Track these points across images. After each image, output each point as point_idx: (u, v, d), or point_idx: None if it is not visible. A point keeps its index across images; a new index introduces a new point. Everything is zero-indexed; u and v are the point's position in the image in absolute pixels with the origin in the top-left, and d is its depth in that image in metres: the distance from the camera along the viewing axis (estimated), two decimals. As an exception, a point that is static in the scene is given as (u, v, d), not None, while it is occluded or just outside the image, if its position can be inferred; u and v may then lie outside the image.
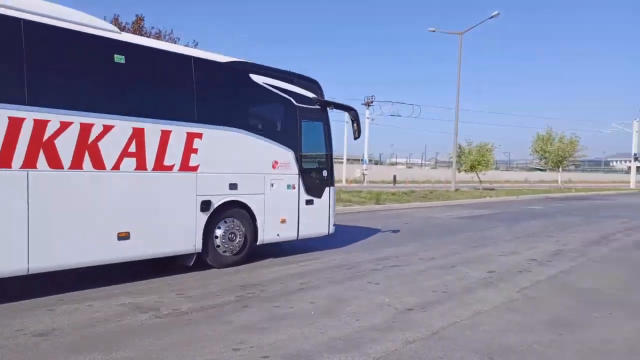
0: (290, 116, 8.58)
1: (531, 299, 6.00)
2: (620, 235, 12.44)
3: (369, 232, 12.70)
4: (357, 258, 8.69)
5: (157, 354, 4.07)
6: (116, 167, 6.13)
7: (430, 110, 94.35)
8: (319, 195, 9.00)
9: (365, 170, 50.49)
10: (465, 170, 35.06)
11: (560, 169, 45.80)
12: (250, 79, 7.92)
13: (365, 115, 49.43)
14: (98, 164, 5.94)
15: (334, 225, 9.42)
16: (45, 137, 5.47)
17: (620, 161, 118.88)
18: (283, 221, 8.34)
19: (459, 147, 33.90)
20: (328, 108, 9.33)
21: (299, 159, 8.56)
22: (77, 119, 5.74)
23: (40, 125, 5.41)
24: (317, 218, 8.99)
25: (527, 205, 24.46)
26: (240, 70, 7.90)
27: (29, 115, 5.33)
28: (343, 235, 10.69)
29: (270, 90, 8.19)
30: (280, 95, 8.36)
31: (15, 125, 5.21)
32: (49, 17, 5.67)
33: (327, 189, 9.18)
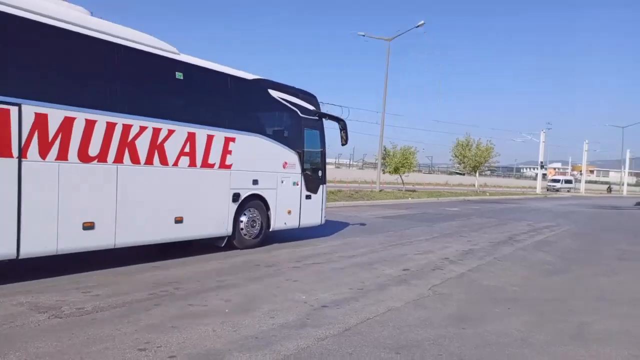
0: (296, 124, 10.27)
1: (440, 296, 6.31)
2: (524, 236, 13.44)
3: (292, 230, 12.74)
4: (277, 256, 8.68)
5: (53, 357, 3.80)
6: (175, 163, 7.55)
7: (359, 112, 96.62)
8: (315, 192, 10.75)
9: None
10: (389, 172, 36.19)
11: (477, 173, 48.66)
12: (268, 93, 9.57)
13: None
14: (164, 160, 7.36)
15: (325, 217, 11.29)
16: (129, 138, 6.84)
17: (529, 168, 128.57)
18: (289, 212, 10.02)
19: (384, 150, 34.91)
20: (323, 118, 11.08)
21: (302, 161, 10.25)
22: (150, 124, 7.14)
23: (126, 129, 6.79)
24: (314, 210, 10.75)
25: (445, 206, 25.73)
26: (261, 86, 9.46)
27: (120, 120, 6.70)
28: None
29: (283, 103, 9.89)
30: (290, 107, 10.07)
31: (110, 129, 6.58)
32: (134, 42, 7.07)
33: (321, 186, 10.99)
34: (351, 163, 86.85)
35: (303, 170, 10.28)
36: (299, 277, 7.00)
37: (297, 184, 10.22)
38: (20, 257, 5.77)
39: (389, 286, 6.69)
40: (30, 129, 5.79)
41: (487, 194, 44.08)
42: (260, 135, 9.30)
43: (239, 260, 8.07)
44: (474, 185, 53.26)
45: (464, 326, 5.05)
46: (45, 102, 5.95)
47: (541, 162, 60.79)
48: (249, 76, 9.23)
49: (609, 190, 70.46)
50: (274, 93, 9.72)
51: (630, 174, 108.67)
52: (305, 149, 10.40)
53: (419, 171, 66.41)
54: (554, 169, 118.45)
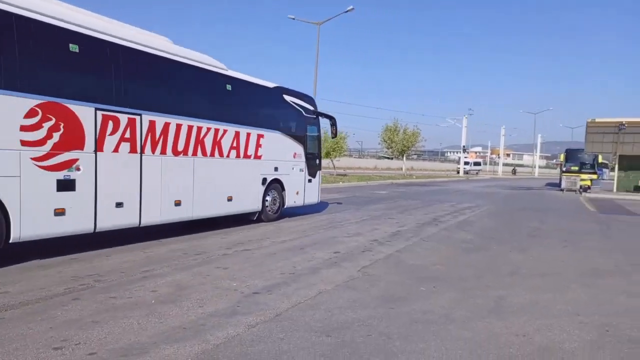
0: (301, 122, 12.84)
1: (369, 277, 6.46)
2: (447, 217, 14.11)
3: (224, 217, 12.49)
4: (206, 243, 8.47)
5: (-47, 361, 3.45)
6: (228, 155, 9.94)
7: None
8: (314, 176, 13.42)
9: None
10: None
11: (405, 157, 50.38)
12: (283, 97, 12.07)
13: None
14: (220, 153, 9.72)
15: (317, 199, 13.81)
16: (200, 137, 9.12)
17: (453, 152, 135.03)
18: (297, 193, 12.61)
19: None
20: (319, 116, 13.72)
21: (305, 151, 12.81)
22: (213, 125, 9.46)
23: (199, 130, 9.06)
24: (314, 192, 13.49)
25: (374, 190, 26.42)
26: (279, 92, 11.93)
27: (195, 123, 8.95)
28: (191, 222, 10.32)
29: (293, 105, 12.43)
30: (297, 109, 12.59)
31: (189, 130, 8.83)
32: (200, 62, 9.37)
33: (318, 172, 13.67)
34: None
35: (307, 159, 12.90)
36: (229, 264, 6.88)
37: (302, 171, 12.79)
38: (142, 225, 8.03)
39: (320, 269, 6.75)
40: (146, 132, 7.96)
41: (414, 177, 45.83)
42: (279, 132, 11.79)
43: (164, 250, 7.78)
44: (402, 168, 55.12)
45: (392, 306, 5.21)
46: (154, 112, 8.13)
47: (463, 146, 64.07)
48: (271, 84, 11.66)
49: (514, 172, 75.74)
50: (287, 97, 12.23)
51: (542, 157, 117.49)
52: (307, 142, 12.99)
53: (350, 156, 67.58)
54: (475, 152, 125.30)
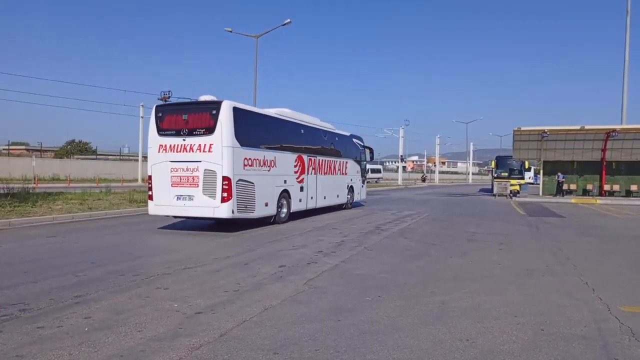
0: (359, 153, 21.57)
1: (316, 289, 6.41)
2: (389, 225, 14.39)
3: (161, 233, 12.00)
4: (145, 263, 8.08)
5: None
6: (333, 173, 18.44)
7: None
8: (363, 184, 22.38)
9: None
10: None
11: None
12: (352, 140, 20.90)
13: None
14: (329, 172, 18.04)
15: (365, 198, 23.39)
16: (322, 164, 17.35)
17: (391, 161, 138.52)
18: (358, 194, 21.52)
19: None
20: (366, 148, 22.44)
21: (361, 169, 21.82)
22: (326, 159, 17.77)
23: (321, 161, 17.26)
24: (364, 193, 22.73)
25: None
26: (350, 137, 20.84)
27: (320, 158, 17.16)
28: (132, 238, 9.84)
29: (355, 143, 21.16)
30: (357, 145, 21.41)
31: (321, 161, 17.28)
32: (322, 126, 18.33)
33: (365, 181, 22.74)
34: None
35: (362, 174, 22.07)
36: (169, 284, 6.58)
37: (360, 180, 21.83)
38: (307, 209, 16.22)
39: (265, 285, 6.62)
40: (306, 164, 15.90)
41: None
42: (351, 160, 20.65)
43: (99, 272, 7.33)
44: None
45: (340, 318, 5.18)
46: (308, 154, 16.05)
47: (401, 156, 65.82)
48: (347, 133, 20.73)
49: (423, 179, 76.05)
50: (353, 139, 21.18)
51: (474, 164, 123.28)
52: (362, 164, 22.02)
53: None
54: (412, 161, 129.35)
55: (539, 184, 35.38)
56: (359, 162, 21.33)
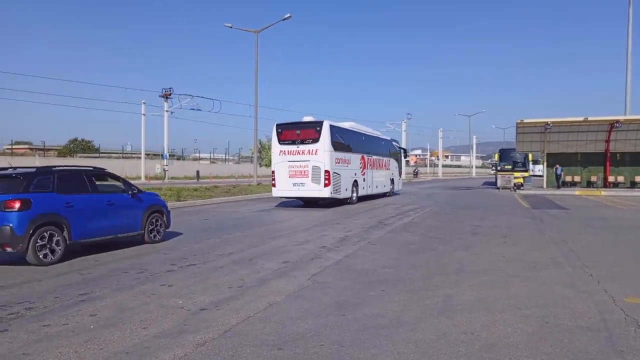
0: (395, 152, 28.10)
1: (320, 285, 6.42)
2: (393, 219, 14.38)
3: (166, 232, 12.05)
4: (148, 260, 8.12)
5: None
6: (380, 168, 24.74)
7: (232, 106, 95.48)
8: (400, 176, 29.49)
9: (166, 165, 48.09)
10: (266, 165, 36.21)
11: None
12: (392, 142, 28.00)
13: (163, 108, 47.02)
14: (378, 167, 24.33)
15: (401, 188, 30.15)
16: (372, 161, 23.32)
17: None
18: (397, 185, 28.22)
19: (260, 143, 34.83)
20: (401, 149, 30.25)
21: (398, 165, 28.64)
22: (376, 157, 24.11)
23: (370, 159, 22.90)
24: (400, 184, 29.42)
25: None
26: (391, 140, 28.26)
27: (372, 157, 23.41)
28: (132, 237, 9.88)
29: (394, 144, 28.28)
30: (396, 146, 28.61)
31: (369, 159, 22.85)
32: (374, 134, 25.88)
33: (400, 175, 29.80)
34: (227, 158, 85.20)
35: (399, 169, 28.43)
36: (174, 281, 6.61)
37: (397, 174, 27.96)
38: (366, 194, 22.60)
39: (269, 280, 6.63)
40: (366, 162, 22.12)
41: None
42: (392, 158, 26.73)
43: (103, 270, 7.36)
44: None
45: (344, 313, 5.19)
46: (366, 154, 22.40)
47: (404, 150, 65.75)
48: (388, 137, 27.90)
49: (415, 174, 70.42)
50: (393, 142, 27.99)
51: (478, 157, 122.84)
52: (399, 160, 28.41)
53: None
54: (416, 155, 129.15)
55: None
56: (397, 160, 27.94)
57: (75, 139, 65.92)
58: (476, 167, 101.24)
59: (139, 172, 49.11)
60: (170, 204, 19.11)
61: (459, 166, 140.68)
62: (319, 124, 18.32)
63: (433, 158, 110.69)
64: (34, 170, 8.27)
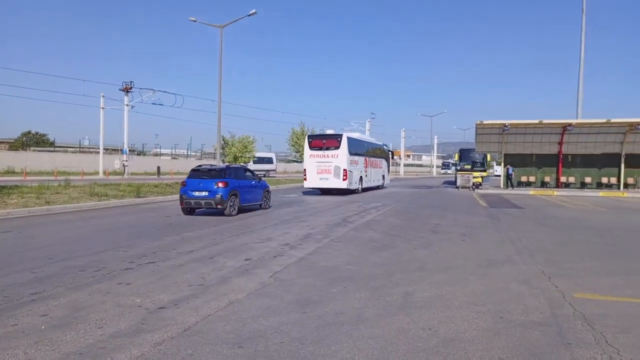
0: (385, 153, 36.08)
1: (282, 282, 6.40)
2: (356, 217, 14.51)
3: (125, 229, 11.72)
4: (106, 258, 7.88)
5: None
6: (375, 167, 31.65)
7: (195, 101, 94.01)
8: (388, 173, 37.12)
9: (126, 161, 46.78)
10: (229, 162, 35.76)
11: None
12: (383, 148, 35.75)
13: (123, 102, 45.68)
14: (373, 166, 31.24)
15: (389, 182, 38.53)
16: (369, 161, 30.18)
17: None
18: (386, 180, 35.94)
19: (223, 139, 34.37)
20: (389, 151, 40.76)
21: (387, 164, 36.50)
22: (372, 159, 31.24)
23: (366, 160, 29.39)
24: (388, 180, 37.01)
25: (284, 193, 26.45)
26: (383, 145, 36.41)
27: (370, 159, 30.43)
28: (92, 235, 9.57)
29: (384, 149, 36.03)
30: (385, 149, 36.67)
31: (366, 161, 29.42)
32: (376, 142, 34.80)
33: (389, 172, 37.41)
34: (189, 153, 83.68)
35: (386, 168, 35.28)
36: (132, 279, 6.44)
37: (387, 171, 35.97)
38: (367, 187, 29.66)
39: (231, 278, 6.56)
40: (367, 162, 29.52)
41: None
42: (383, 159, 34.66)
43: (57, 268, 7.10)
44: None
45: (305, 310, 5.20)
46: (368, 157, 29.92)
47: (392, 152, 66.49)
48: (381, 142, 36.47)
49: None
50: (384, 146, 36.24)
51: (439, 157, 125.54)
52: (388, 160, 36.79)
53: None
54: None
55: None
56: (387, 160, 35.71)
57: (29, 132, 63.20)
58: (437, 166, 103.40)
59: (97, 167, 47.54)
60: (128, 201, 18.66)
61: (420, 165, 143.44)
62: (340, 136, 25.78)
63: (395, 157, 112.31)
64: (224, 166, 15.36)
